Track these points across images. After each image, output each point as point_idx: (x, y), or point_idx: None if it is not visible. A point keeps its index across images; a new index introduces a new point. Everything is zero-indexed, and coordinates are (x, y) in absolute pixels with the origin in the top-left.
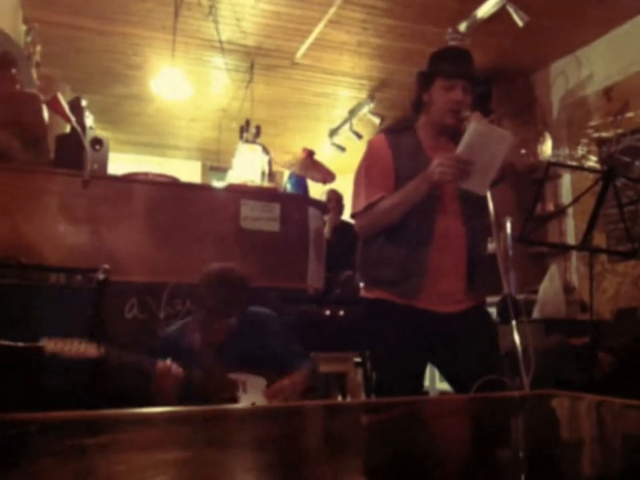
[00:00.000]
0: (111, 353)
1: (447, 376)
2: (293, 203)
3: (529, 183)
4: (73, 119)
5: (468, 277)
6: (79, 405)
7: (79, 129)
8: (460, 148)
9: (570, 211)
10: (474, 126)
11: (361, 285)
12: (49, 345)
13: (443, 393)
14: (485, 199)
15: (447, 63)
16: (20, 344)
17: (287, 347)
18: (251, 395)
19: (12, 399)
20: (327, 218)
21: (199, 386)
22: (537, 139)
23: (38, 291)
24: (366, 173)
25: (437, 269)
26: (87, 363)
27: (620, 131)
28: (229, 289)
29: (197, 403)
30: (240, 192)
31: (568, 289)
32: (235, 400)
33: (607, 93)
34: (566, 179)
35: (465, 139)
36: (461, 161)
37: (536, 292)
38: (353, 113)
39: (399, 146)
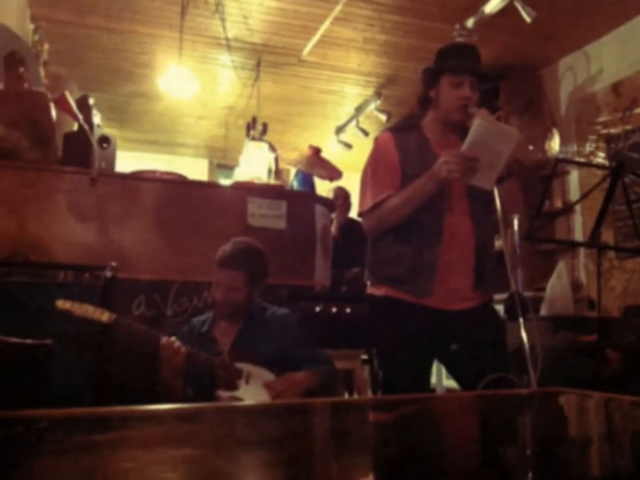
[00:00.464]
0: (120, 321)
1: (453, 373)
2: (300, 201)
3: (536, 180)
4: (80, 117)
5: (476, 275)
6: (87, 401)
7: (86, 127)
8: (465, 145)
9: (578, 207)
10: (478, 123)
11: (368, 282)
12: (61, 303)
13: (449, 390)
14: (492, 196)
15: (454, 59)
16: (28, 341)
17: (302, 349)
18: (253, 388)
19: (20, 396)
20: (333, 215)
21: (202, 365)
22: (545, 135)
23: (46, 289)
24: (372, 172)
25: (446, 267)
26: (94, 357)
27: (628, 127)
28: (244, 247)
29: (198, 381)
30: (247, 189)
31: (576, 286)
32: (234, 387)
33: (616, 89)
34: (574, 176)
35: (470, 136)
36: (467, 158)
37: (543, 289)
38: (359, 110)
39: (406, 144)
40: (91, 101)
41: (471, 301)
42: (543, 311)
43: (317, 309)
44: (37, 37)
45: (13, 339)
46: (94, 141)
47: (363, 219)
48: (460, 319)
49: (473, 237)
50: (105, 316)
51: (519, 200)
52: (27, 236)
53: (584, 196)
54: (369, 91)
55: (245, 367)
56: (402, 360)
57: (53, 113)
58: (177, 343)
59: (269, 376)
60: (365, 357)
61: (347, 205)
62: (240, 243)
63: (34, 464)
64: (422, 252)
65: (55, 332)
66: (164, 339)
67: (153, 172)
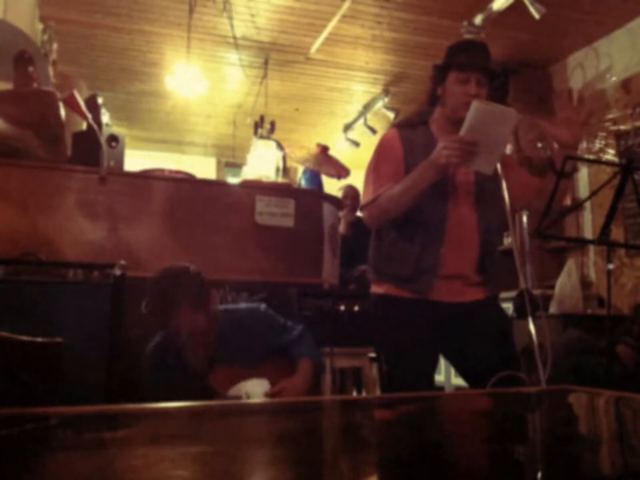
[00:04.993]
0: None
1: (460, 369)
2: (308, 199)
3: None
4: (89, 116)
5: (480, 270)
6: (98, 399)
7: (95, 126)
8: (463, 129)
9: (587, 204)
10: (475, 106)
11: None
12: None
13: (458, 388)
14: (500, 192)
15: (462, 56)
16: (38, 339)
17: (283, 335)
18: None
19: (31, 394)
20: (342, 214)
21: None
22: None
23: (56, 287)
24: (375, 167)
25: (450, 264)
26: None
27: (638, 123)
28: (171, 281)
29: None
30: (255, 188)
31: (585, 283)
32: None
33: (625, 85)
34: (583, 173)
35: (468, 119)
36: (465, 142)
37: (553, 287)
38: (367, 107)
39: (412, 140)
40: (100, 100)
41: (475, 294)
42: (553, 309)
43: (325, 307)
44: (45, 37)
45: (24, 337)
46: (103, 140)
47: (363, 211)
48: (464, 312)
49: (477, 232)
50: None
51: (531, 192)
52: (36, 235)
53: (594, 193)
54: (377, 89)
55: (239, 388)
56: (406, 357)
57: (62, 112)
58: None
59: (262, 385)
60: (373, 354)
61: (356, 203)
62: (155, 291)
63: (45, 461)
64: (425, 250)
65: (66, 330)
66: None
67: (162, 171)
